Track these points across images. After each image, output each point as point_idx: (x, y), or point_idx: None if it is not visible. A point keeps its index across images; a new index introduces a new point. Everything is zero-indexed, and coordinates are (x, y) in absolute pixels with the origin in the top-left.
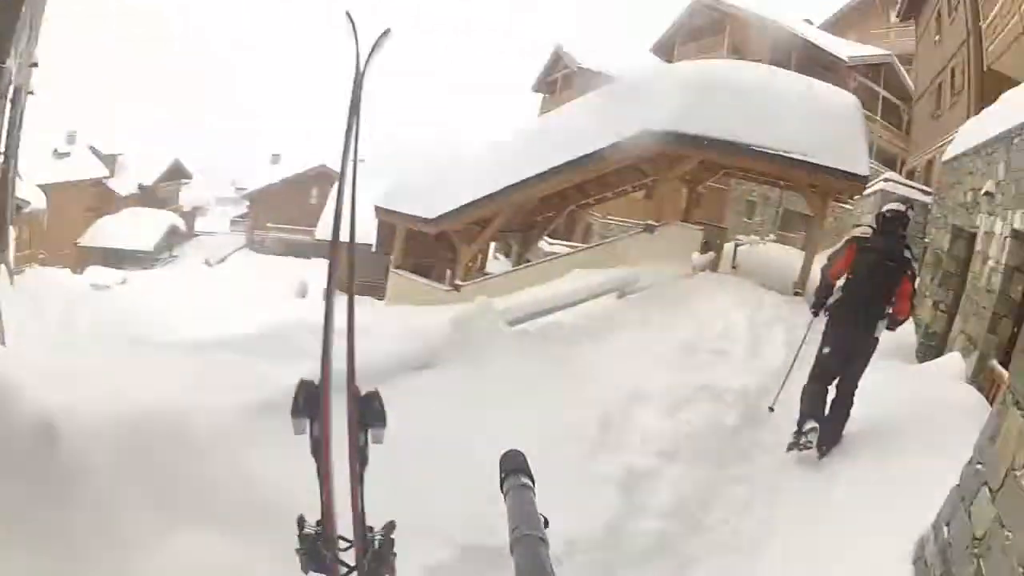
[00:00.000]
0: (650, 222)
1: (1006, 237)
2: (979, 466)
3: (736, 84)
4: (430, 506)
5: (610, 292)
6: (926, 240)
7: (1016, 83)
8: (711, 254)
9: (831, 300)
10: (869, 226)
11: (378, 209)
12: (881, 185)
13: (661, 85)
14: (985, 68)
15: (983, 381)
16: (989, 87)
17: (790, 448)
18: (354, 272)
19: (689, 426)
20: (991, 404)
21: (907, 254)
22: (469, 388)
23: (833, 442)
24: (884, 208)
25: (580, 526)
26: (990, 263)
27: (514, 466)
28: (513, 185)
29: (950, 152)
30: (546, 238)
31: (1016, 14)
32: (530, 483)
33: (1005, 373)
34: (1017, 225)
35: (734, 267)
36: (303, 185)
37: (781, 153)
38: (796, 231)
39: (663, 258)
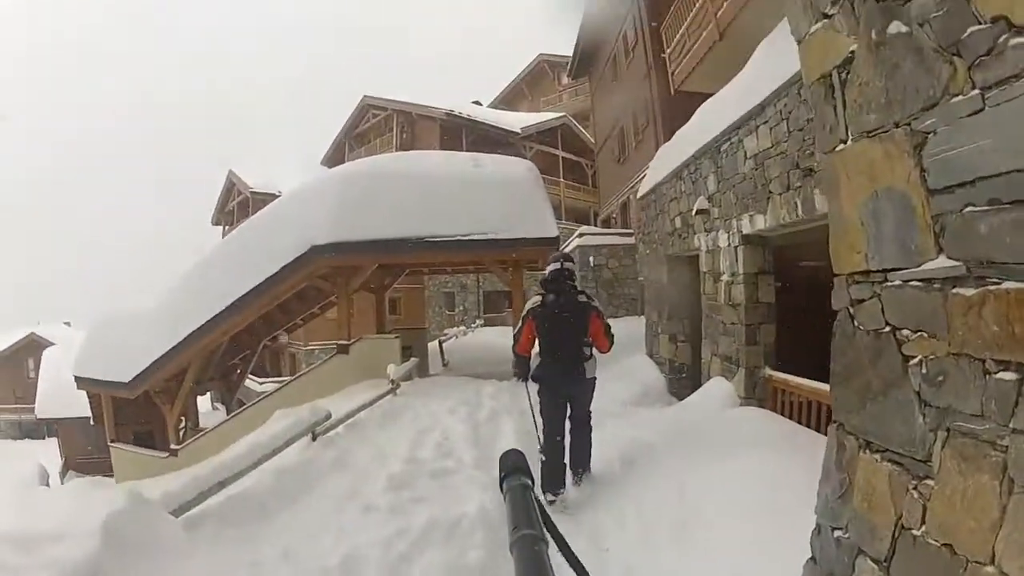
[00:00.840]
0: (341, 342)
1: (736, 247)
2: (839, 533)
3: (395, 175)
4: None
5: (300, 437)
6: (640, 279)
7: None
8: (413, 360)
9: (534, 365)
10: (539, 293)
11: (78, 379)
12: (577, 241)
13: (317, 194)
14: (673, 92)
15: (761, 393)
16: (676, 114)
17: (551, 503)
18: None
19: None
20: (778, 412)
21: (582, 299)
22: None
23: (586, 466)
24: (547, 270)
25: None
26: (725, 278)
27: (514, 466)
28: (193, 333)
29: (645, 186)
30: (255, 378)
31: (706, 28)
32: (530, 483)
33: (786, 376)
34: (746, 230)
35: (445, 364)
36: (17, 359)
37: (458, 238)
38: (502, 310)
39: (364, 377)
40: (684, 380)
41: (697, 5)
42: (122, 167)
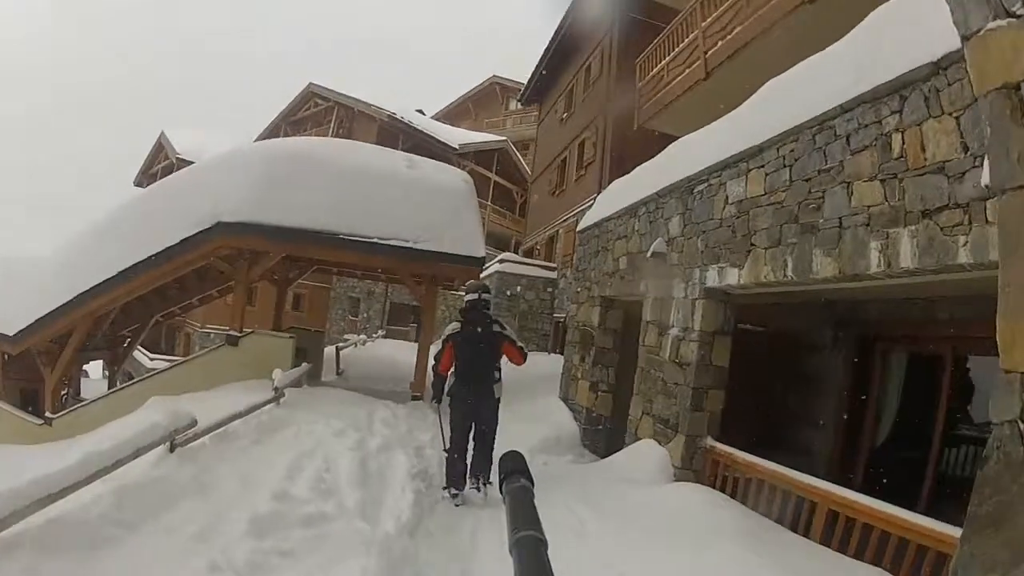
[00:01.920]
0: (232, 332)
1: (694, 299)
2: None
3: (321, 162)
4: None
5: (153, 448)
6: (557, 316)
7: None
8: (305, 366)
9: (448, 384)
10: (456, 320)
11: None
12: (497, 267)
13: (234, 167)
14: (636, 127)
15: (699, 464)
16: (629, 154)
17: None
18: None
19: None
20: (716, 487)
21: (496, 328)
22: None
23: (486, 474)
24: (466, 299)
25: None
26: (673, 332)
27: (513, 467)
28: (81, 295)
29: (589, 219)
30: (146, 352)
31: (691, 65)
32: (529, 484)
33: (732, 450)
34: (711, 283)
35: (339, 373)
36: None
37: (376, 240)
38: (407, 324)
39: (251, 374)
40: (600, 432)
41: (687, 40)
42: (61, 112)
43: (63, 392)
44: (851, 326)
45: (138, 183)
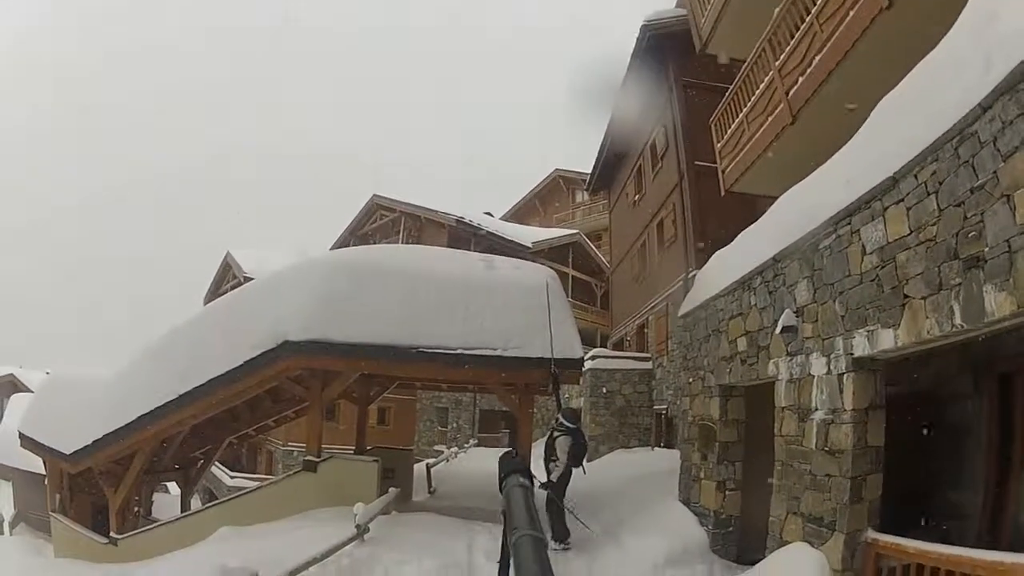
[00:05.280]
0: (309, 457)
1: (841, 374)
2: None
3: (387, 270)
4: None
5: None
6: (657, 407)
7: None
8: (392, 491)
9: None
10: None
11: (22, 437)
12: (589, 364)
13: (296, 282)
14: (723, 193)
15: (859, 563)
16: (714, 225)
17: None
18: None
19: None
20: None
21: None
22: None
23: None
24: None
25: None
26: (818, 416)
27: (513, 467)
28: (142, 418)
29: (691, 302)
30: (226, 470)
31: (772, 113)
32: (529, 484)
33: (898, 540)
34: (860, 351)
35: (431, 492)
36: None
37: (459, 351)
38: (498, 431)
39: (333, 500)
40: (730, 535)
41: (763, 83)
42: (127, 229)
43: (136, 510)
44: (991, 366)
45: (208, 303)
